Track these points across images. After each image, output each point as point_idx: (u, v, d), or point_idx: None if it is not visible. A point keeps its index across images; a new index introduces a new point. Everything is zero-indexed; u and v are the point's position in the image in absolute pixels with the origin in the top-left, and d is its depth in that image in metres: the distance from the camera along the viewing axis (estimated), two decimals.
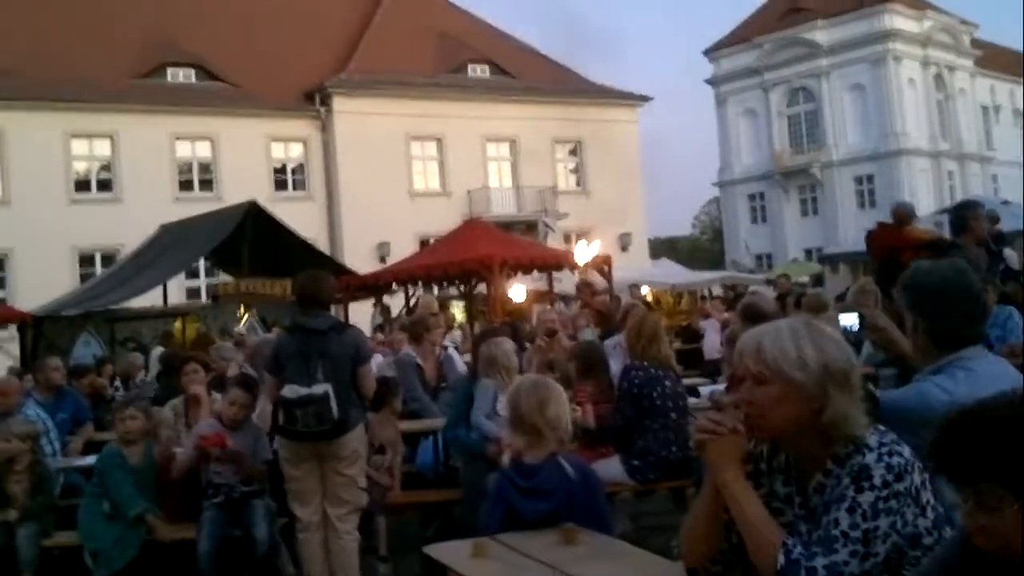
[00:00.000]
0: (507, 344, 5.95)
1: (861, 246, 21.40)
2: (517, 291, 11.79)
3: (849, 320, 8.09)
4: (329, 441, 5.13)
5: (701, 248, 61.32)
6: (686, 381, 7.50)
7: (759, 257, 45.38)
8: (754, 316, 5.46)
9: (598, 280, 14.59)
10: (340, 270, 17.00)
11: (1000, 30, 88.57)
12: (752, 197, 48.36)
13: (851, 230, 41.20)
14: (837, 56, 45.00)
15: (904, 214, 8.49)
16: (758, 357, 2.02)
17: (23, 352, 15.27)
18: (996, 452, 1.52)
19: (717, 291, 23.00)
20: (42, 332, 15.21)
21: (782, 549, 1.93)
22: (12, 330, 16.12)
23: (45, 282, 21.94)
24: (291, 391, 5.05)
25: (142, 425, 5.63)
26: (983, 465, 1.53)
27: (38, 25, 27.69)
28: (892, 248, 7.88)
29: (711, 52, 50.09)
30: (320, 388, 5.01)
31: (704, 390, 6.64)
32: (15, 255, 25.78)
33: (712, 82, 49.82)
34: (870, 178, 44.52)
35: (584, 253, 12.62)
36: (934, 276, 2.80)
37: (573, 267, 14.03)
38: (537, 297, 15.48)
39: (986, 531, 1.54)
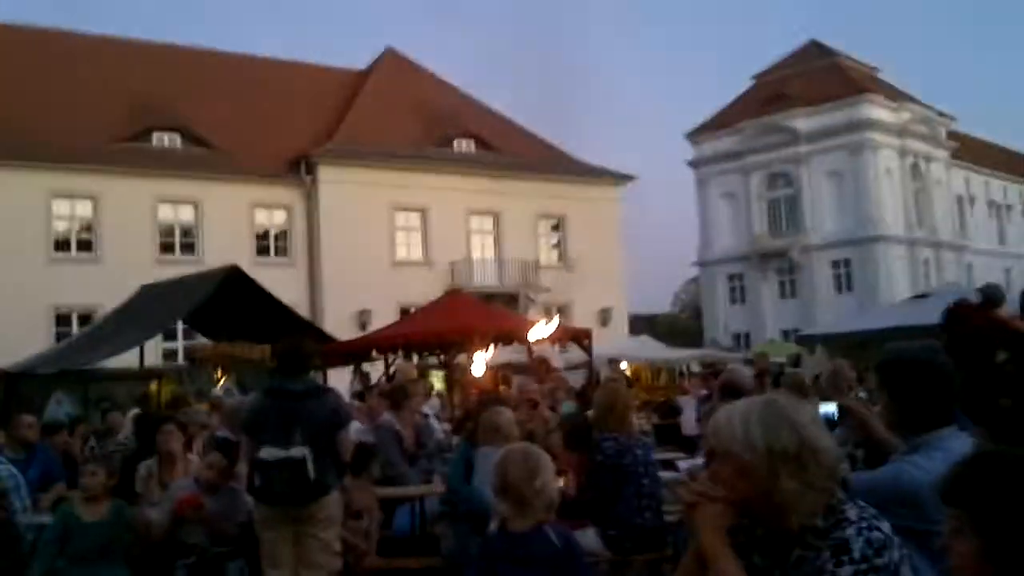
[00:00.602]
0: (509, 413, 5.95)
1: (838, 328, 21.69)
2: (478, 364, 11.72)
3: (828, 408, 8.13)
4: (305, 505, 5.09)
5: (680, 325, 61.50)
6: (664, 456, 7.61)
7: (737, 336, 45.67)
8: (733, 392, 5.52)
9: (552, 357, 14.48)
10: (320, 336, 16.88)
11: (976, 122, 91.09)
12: (731, 277, 48.85)
13: (828, 313, 41.64)
14: (816, 143, 46.01)
15: (996, 297, 8.23)
16: (716, 436, 2.07)
17: None
18: (976, 484, 1.61)
19: (695, 368, 23.05)
20: (15, 389, 14.98)
21: None
22: None
23: (21, 339, 21.61)
24: (268, 453, 5.01)
25: (101, 481, 5.55)
26: (959, 492, 1.63)
27: (25, 85, 27.89)
28: (981, 329, 7.47)
29: (693, 135, 51.11)
30: (298, 451, 4.98)
31: (682, 464, 6.68)
32: None
33: (694, 164, 50.73)
34: (847, 262, 45.14)
35: (538, 331, 12.56)
36: (907, 357, 2.87)
37: (523, 343, 13.89)
38: (500, 371, 15.33)
39: (954, 555, 1.62)
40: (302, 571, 5.15)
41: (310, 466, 4.98)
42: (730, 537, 2.04)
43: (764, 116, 47.51)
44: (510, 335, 15.77)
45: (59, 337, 24.04)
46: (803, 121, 46.42)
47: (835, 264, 45.57)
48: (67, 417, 11.79)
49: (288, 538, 5.14)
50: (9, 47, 29.13)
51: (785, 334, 41.63)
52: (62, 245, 27.40)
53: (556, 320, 12.86)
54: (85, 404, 14.35)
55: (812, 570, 1.96)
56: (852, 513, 1.99)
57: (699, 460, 6.08)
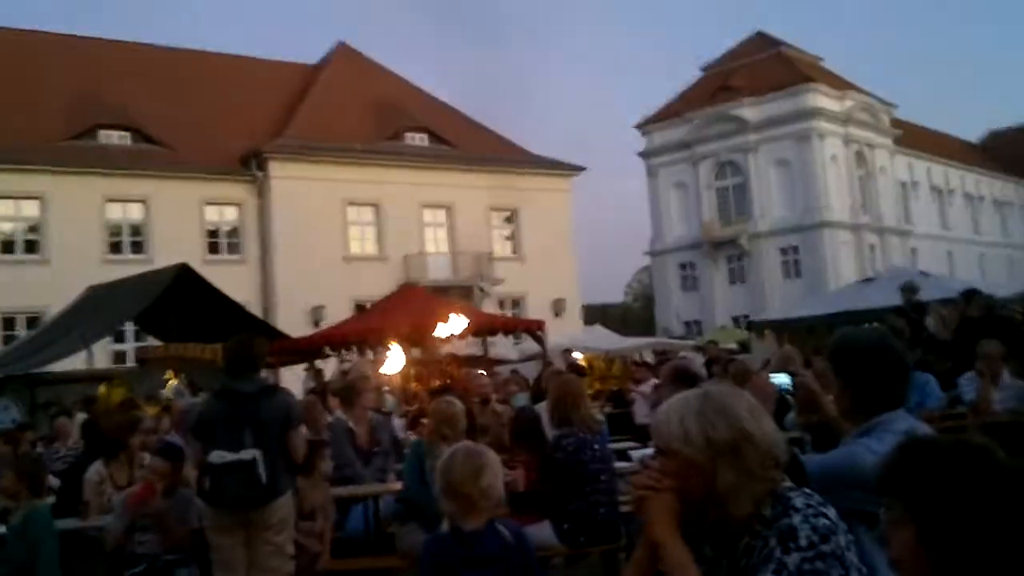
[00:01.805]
0: (459, 405, 5.97)
1: (786, 314, 22.00)
2: (395, 359, 11.55)
3: (782, 379, 8.28)
4: (257, 508, 5.02)
5: (633, 315, 61.99)
6: (617, 445, 7.60)
7: (688, 324, 46.16)
8: (683, 378, 5.60)
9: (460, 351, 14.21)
10: (273, 334, 16.75)
11: (918, 110, 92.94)
12: (683, 266, 49.30)
13: (777, 298, 42.27)
14: (764, 132, 46.59)
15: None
16: (657, 432, 2.10)
17: None
18: (909, 472, 1.64)
19: (648, 356, 23.23)
20: None
21: None
22: None
23: None
24: (217, 456, 4.94)
25: (8, 486, 5.25)
26: (894, 481, 1.66)
27: None
28: None
29: (643, 126, 51.43)
30: (247, 453, 4.90)
31: (635, 454, 6.70)
32: None
33: (644, 155, 51.07)
34: (795, 249, 45.81)
35: (446, 328, 12.45)
36: (858, 341, 2.90)
37: (456, 339, 13.74)
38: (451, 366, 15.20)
39: (892, 545, 1.64)
40: None
41: (261, 468, 4.91)
42: (680, 528, 2.06)
43: (713, 106, 47.97)
44: (464, 329, 15.80)
45: (6, 340, 23.56)
46: (751, 111, 46.96)
47: (783, 251, 46.21)
48: (13, 423, 11.57)
49: (240, 542, 5.07)
50: None
51: (736, 320, 42.18)
52: (7, 247, 26.78)
53: (463, 319, 12.80)
54: (32, 409, 14.05)
55: (760, 558, 1.98)
56: (798, 501, 2.01)
57: (651, 449, 6.13)
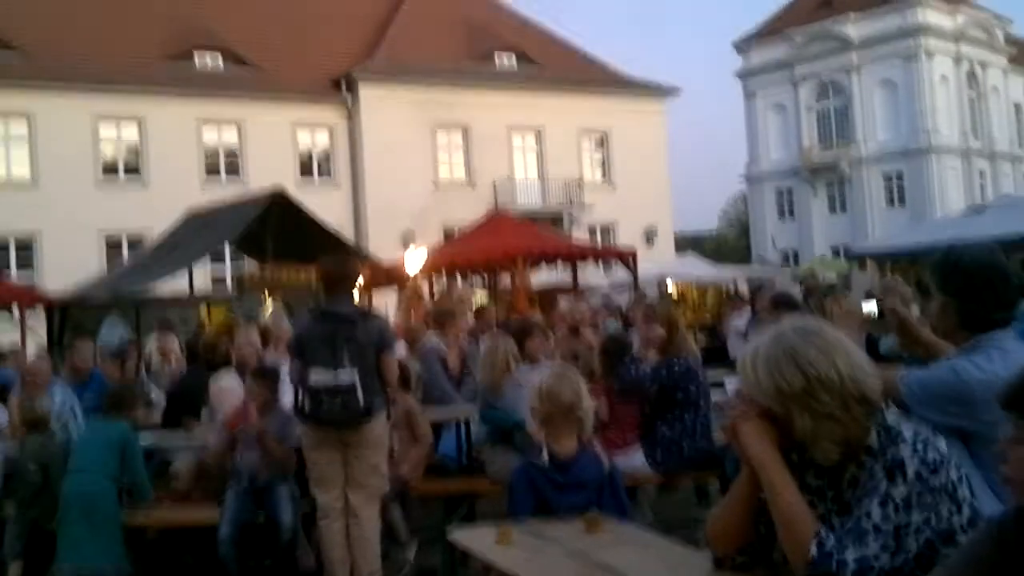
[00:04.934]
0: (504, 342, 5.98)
1: (889, 244, 21.26)
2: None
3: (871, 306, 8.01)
4: (353, 428, 5.12)
5: (727, 243, 60.87)
6: (711, 375, 7.47)
7: (785, 253, 45.03)
8: (784, 305, 5.45)
9: (423, 289, 14.16)
10: (364, 258, 16.94)
11: None
12: (780, 193, 47.97)
13: (879, 227, 40.85)
14: (868, 51, 44.49)
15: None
16: (742, 380, 2.08)
17: (50, 335, 15.29)
18: None
19: (742, 287, 22.82)
20: (69, 315, 15.24)
21: (815, 539, 1.91)
22: (40, 312, 16.26)
23: (72, 265, 22.04)
24: (317, 378, 5.03)
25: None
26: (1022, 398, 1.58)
27: (65, 7, 27.79)
28: None
29: (741, 45, 49.66)
30: (347, 377, 4.99)
31: (729, 385, 6.59)
32: (43, 238, 25.94)
33: (741, 75, 49.42)
34: (899, 175, 44.03)
35: (411, 260, 12.22)
36: (968, 257, 2.74)
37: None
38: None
39: (1012, 462, 1.57)
40: (351, 493, 5.19)
41: (359, 392, 5.00)
42: (780, 453, 2.02)
43: (814, 23, 45.95)
44: (555, 256, 15.73)
45: (110, 262, 24.44)
46: (854, 27, 44.82)
47: (887, 177, 44.46)
48: (121, 341, 12.01)
49: (337, 460, 5.17)
50: None
51: (835, 251, 41.02)
52: (110, 169, 27.59)
53: (424, 250, 12.54)
54: (138, 329, 14.55)
55: (865, 489, 1.93)
56: (907, 431, 1.95)
57: None
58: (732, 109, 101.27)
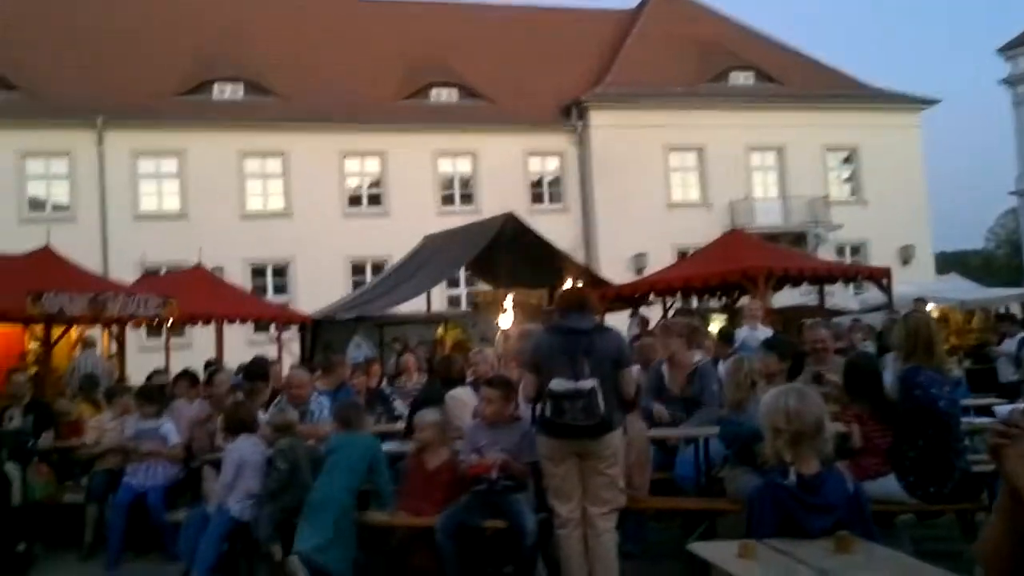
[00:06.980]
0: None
1: None
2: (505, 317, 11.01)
3: None
4: (592, 439, 5.11)
5: (996, 263, 55.61)
6: (978, 402, 7.21)
7: None
8: None
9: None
10: (596, 281, 16.78)
11: None
12: None
13: None
14: None
15: None
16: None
17: (303, 350, 16.53)
18: None
19: (1015, 309, 20.42)
20: (319, 333, 16.28)
21: None
22: (293, 330, 17.41)
23: (322, 288, 23.55)
24: (558, 384, 5.04)
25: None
26: None
27: (312, 54, 29.90)
28: None
29: (1008, 49, 45.22)
30: (587, 383, 4.98)
31: (1000, 409, 5.85)
32: (296, 263, 27.89)
33: (1009, 81, 44.93)
34: None
35: (506, 319, 11.66)
36: None
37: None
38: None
39: None
40: (589, 505, 5.18)
41: (600, 398, 4.97)
42: None
43: None
44: (800, 275, 14.62)
45: (355, 285, 25.73)
46: None
47: None
48: (365, 359, 12.37)
49: (574, 472, 5.19)
50: (296, 14, 31.16)
51: None
52: (354, 200, 29.20)
53: (510, 314, 11.88)
54: (380, 346, 15.14)
55: None
56: None
57: (1021, 404, 5.61)
58: (997, 119, 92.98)
